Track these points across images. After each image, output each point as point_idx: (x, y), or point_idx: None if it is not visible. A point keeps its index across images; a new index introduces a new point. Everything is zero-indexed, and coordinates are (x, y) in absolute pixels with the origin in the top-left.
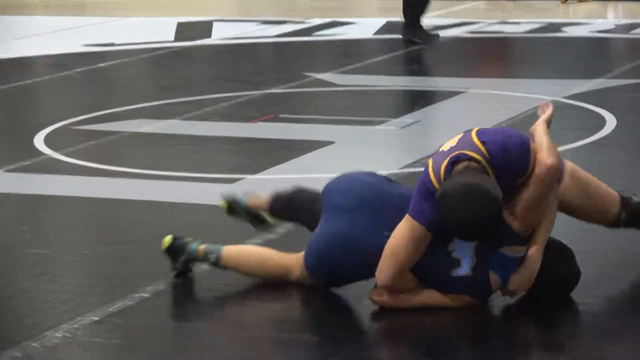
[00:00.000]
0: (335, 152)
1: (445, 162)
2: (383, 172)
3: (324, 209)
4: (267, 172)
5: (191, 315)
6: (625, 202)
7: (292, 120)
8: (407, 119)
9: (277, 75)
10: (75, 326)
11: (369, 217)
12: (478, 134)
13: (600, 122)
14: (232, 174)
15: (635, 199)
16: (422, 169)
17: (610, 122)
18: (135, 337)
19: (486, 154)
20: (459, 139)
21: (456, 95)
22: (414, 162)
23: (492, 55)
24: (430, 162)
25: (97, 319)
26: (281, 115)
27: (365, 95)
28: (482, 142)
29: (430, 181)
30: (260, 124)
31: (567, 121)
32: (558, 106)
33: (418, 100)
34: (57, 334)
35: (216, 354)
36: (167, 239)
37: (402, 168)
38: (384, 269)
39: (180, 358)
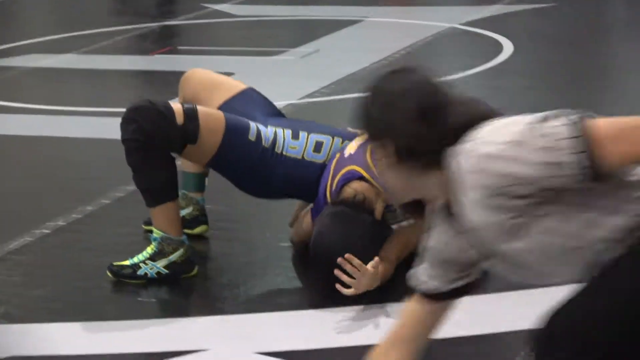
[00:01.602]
0: None
1: (336, 180)
2: (283, 102)
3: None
4: None
5: (93, 250)
6: None
7: (190, 52)
8: (306, 48)
9: (174, 6)
10: None
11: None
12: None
13: (498, 48)
14: None
15: None
16: (322, 98)
17: (508, 48)
18: (37, 273)
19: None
20: (361, 145)
21: (354, 23)
22: (314, 92)
23: None
24: (332, 169)
25: None
26: (180, 47)
27: (264, 25)
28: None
29: (327, 203)
30: (158, 56)
31: (464, 48)
32: (455, 33)
33: (316, 29)
34: None
35: (118, 287)
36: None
37: (302, 98)
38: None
39: (82, 294)
